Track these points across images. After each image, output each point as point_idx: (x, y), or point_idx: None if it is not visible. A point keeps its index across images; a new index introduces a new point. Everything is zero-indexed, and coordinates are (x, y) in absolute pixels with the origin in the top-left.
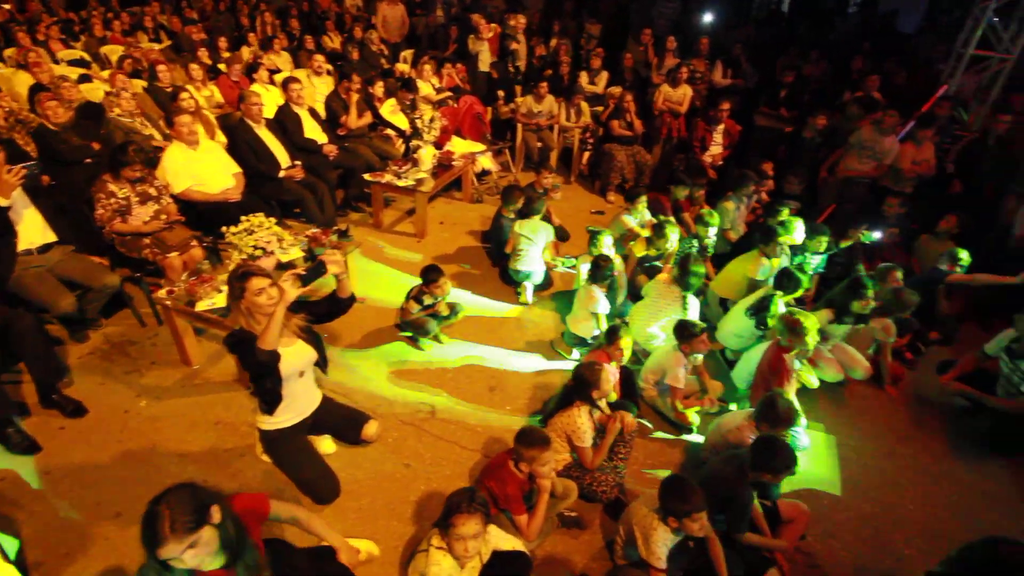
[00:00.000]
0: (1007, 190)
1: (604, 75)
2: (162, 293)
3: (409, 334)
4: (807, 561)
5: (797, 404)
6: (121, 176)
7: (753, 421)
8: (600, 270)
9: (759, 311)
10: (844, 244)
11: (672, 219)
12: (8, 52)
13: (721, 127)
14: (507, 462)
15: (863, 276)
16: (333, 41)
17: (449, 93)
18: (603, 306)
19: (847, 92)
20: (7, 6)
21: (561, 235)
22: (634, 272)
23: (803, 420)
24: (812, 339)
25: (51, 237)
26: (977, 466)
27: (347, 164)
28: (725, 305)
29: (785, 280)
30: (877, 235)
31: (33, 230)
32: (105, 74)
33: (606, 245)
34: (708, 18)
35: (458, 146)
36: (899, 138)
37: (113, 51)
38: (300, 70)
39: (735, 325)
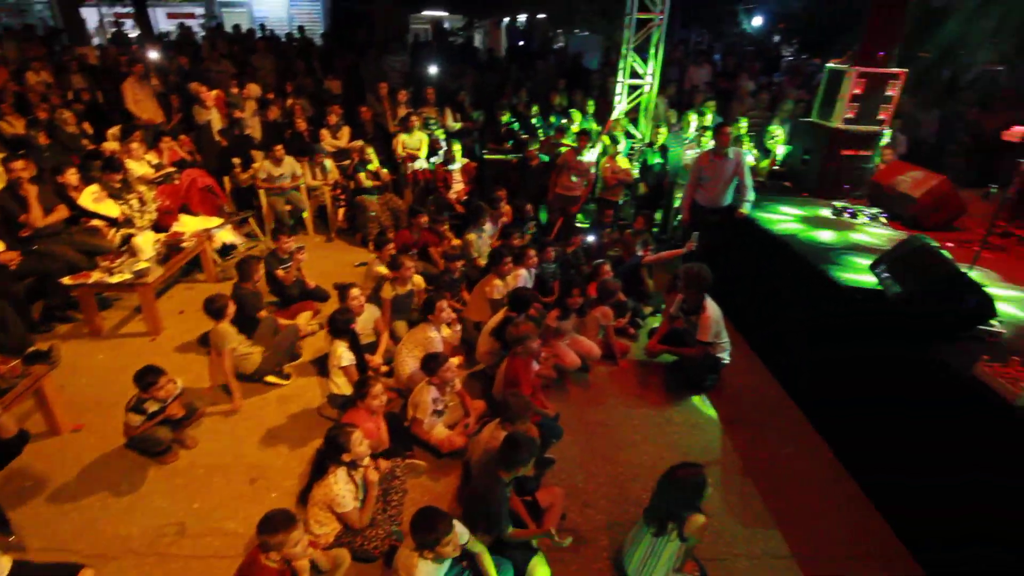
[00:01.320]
0: (674, 184)
1: (346, 130)
2: None
3: (142, 451)
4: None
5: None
6: None
7: (499, 425)
8: (337, 324)
9: (501, 332)
10: (570, 251)
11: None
12: None
13: (458, 166)
14: (256, 557)
15: (573, 279)
16: (14, 126)
17: (172, 169)
18: (347, 359)
19: (554, 121)
20: None
21: (319, 295)
22: (391, 316)
23: (552, 412)
24: (534, 343)
25: None
26: (687, 406)
27: (38, 270)
28: (479, 328)
29: (518, 301)
30: (593, 238)
31: None
32: None
33: (352, 298)
34: (433, 69)
35: (188, 224)
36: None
37: None
38: None
39: (487, 344)
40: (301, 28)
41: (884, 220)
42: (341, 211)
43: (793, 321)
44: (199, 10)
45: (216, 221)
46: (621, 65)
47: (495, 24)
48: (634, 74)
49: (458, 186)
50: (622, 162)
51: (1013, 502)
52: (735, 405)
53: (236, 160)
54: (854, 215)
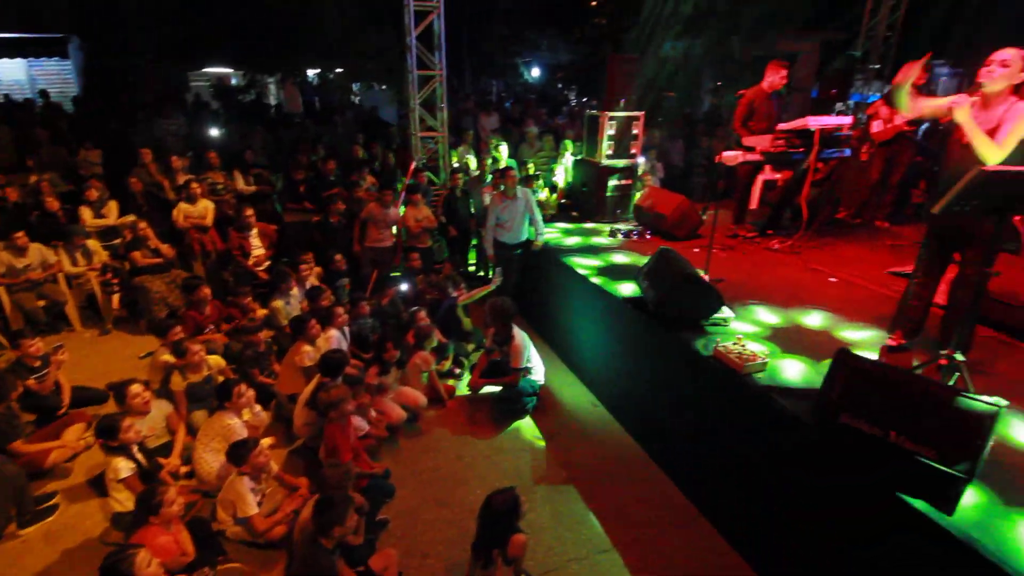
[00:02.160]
0: (479, 223)
1: (112, 204)
2: None
3: None
4: None
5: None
6: None
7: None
8: (104, 432)
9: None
10: (385, 302)
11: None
12: None
13: (255, 231)
14: None
15: (390, 331)
16: None
17: None
18: (126, 469)
19: (353, 175)
20: None
21: (94, 399)
22: (187, 409)
23: (380, 471)
24: (349, 405)
25: None
26: (514, 432)
27: None
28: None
29: (328, 366)
30: (407, 285)
31: None
32: None
33: (133, 396)
34: (215, 132)
35: None
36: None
37: None
38: None
39: (303, 416)
40: (44, 93)
41: (648, 235)
42: (116, 297)
43: (587, 331)
44: None
45: None
46: (412, 119)
47: (290, 80)
48: (427, 126)
49: (258, 252)
50: (424, 209)
51: (757, 452)
52: (556, 420)
53: None
54: (627, 235)
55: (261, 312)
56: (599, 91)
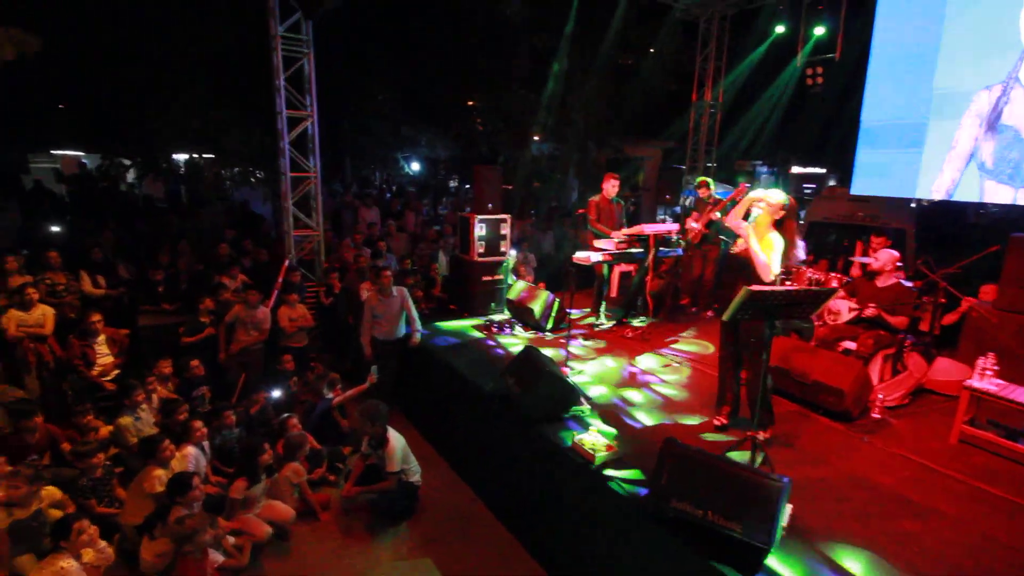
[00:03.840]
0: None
1: None
2: None
3: None
4: None
5: None
6: None
7: None
8: None
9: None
10: (254, 410)
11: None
12: None
13: (102, 337)
14: None
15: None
16: None
17: None
18: None
19: (216, 276)
20: None
21: None
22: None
23: None
24: (206, 535)
25: None
26: (392, 540)
27: None
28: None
29: (175, 486)
30: (279, 391)
31: None
32: None
33: None
34: (55, 228)
35: None
36: (273, 304)
37: None
38: None
39: (154, 547)
40: None
41: (520, 327)
42: None
43: (463, 426)
44: None
45: None
46: (286, 217)
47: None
48: (303, 224)
49: (104, 360)
50: (300, 308)
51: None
52: (435, 522)
53: None
54: (500, 328)
55: (105, 430)
56: None
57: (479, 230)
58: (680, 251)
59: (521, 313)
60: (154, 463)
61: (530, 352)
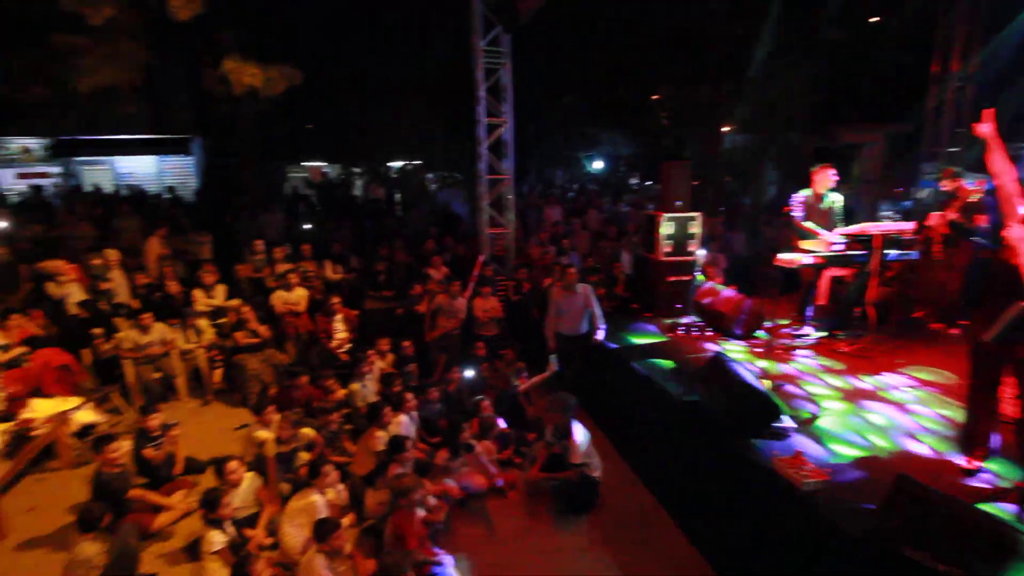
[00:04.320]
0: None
1: (221, 288)
2: None
3: None
4: None
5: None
6: None
7: None
8: (210, 505)
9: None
10: (452, 388)
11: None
12: None
13: (339, 316)
14: None
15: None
16: None
17: (24, 349)
18: (219, 542)
19: (425, 268)
20: None
21: (194, 468)
22: (277, 475)
23: (443, 560)
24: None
25: None
26: (573, 530)
27: None
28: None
29: (394, 446)
30: (472, 373)
31: None
32: None
33: (230, 471)
34: (308, 225)
35: (40, 408)
36: (469, 296)
37: None
38: None
39: (373, 497)
40: (171, 188)
41: (707, 332)
42: (218, 372)
43: (647, 430)
44: (55, 169)
45: (74, 401)
46: (482, 216)
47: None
48: (496, 223)
49: (340, 335)
50: (491, 300)
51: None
52: (615, 522)
53: (97, 331)
54: (687, 330)
55: (341, 392)
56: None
57: (666, 228)
58: (915, 254)
59: (710, 316)
60: (376, 425)
61: (720, 359)
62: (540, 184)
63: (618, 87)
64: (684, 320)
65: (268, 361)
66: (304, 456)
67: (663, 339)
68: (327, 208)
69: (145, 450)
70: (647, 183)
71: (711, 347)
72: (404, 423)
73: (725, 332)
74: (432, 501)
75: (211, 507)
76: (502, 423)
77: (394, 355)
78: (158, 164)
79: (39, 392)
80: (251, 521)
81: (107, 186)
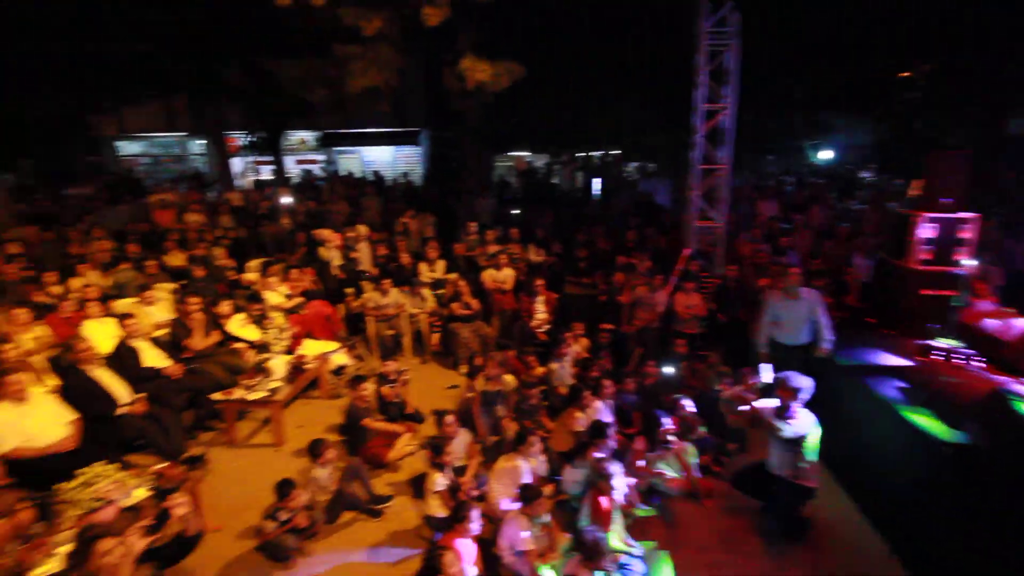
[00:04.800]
0: (751, 318)
1: (441, 264)
2: None
3: (270, 554)
4: None
5: (622, 537)
6: None
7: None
8: (436, 450)
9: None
10: (649, 382)
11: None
12: None
13: (541, 298)
14: None
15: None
16: (176, 259)
17: (301, 299)
18: (442, 483)
19: (621, 257)
20: None
21: (416, 417)
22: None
23: (635, 549)
24: (620, 485)
25: None
26: (781, 561)
27: (195, 386)
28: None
29: (596, 430)
30: (671, 370)
31: None
32: None
33: (447, 424)
34: (516, 211)
35: (310, 348)
36: (671, 290)
37: None
38: (129, 299)
39: (571, 474)
40: (406, 175)
41: (977, 362)
42: (436, 336)
43: (889, 471)
44: (321, 157)
45: (333, 345)
46: (690, 207)
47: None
48: (706, 216)
49: (541, 316)
50: (694, 296)
51: None
52: (839, 564)
53: (349, 290)
54: (946, 357)
55: (540, 370)
56: (906, 171)
57: (926, 231)
58: None
59: (982, 344)
60: (576, 407)
61: (1002, 396)
62: (753, 175)
63: (858, 64)
64: (940, 343)
65: (477, 332)
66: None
67: (910, 363)
68: (529, 195)
69: (383, 388)
70: (885, 176)
71: (988, 379)
72: (602, 408)
73: (1003, 365)
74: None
75: (436, 451)
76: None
77: (589, 340)
78: (394, 154)
79: (310, 335)
80: (461, 471)
81: (356, 172)
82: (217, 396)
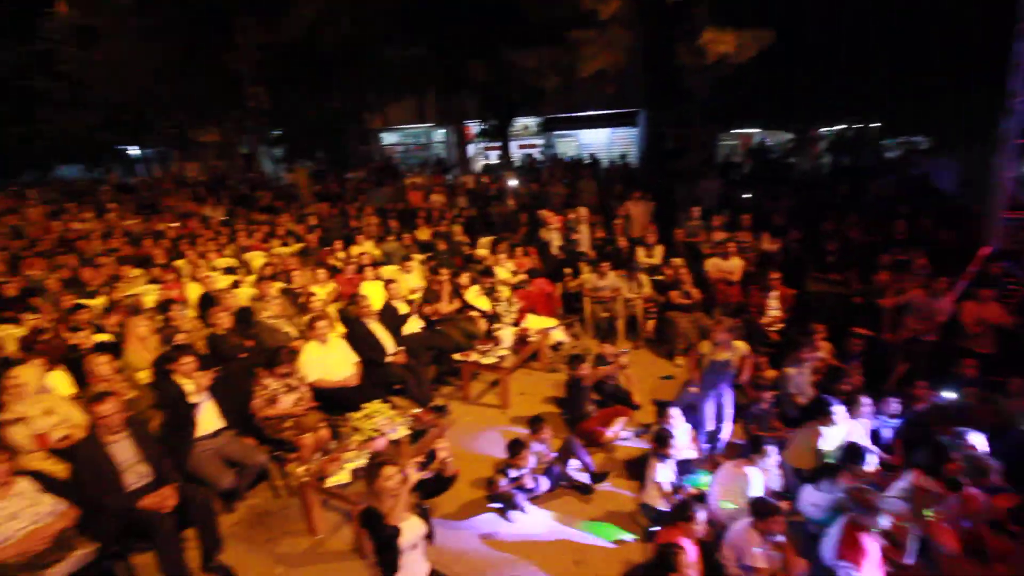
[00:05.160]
0: None
1: (659, 249)
2: (300, 470)
3: (499, 506)
4: None
5: None
6: (273, 373)
7: None
8: (661, 441)
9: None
10: (918, 406)
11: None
12: (179, 263)
13: (775, 293)
14: None
15: (942, 442)
16: (424, 233)
17: (525, 276)
18: (663, 476)
19: (886, 255)
20: (176, 224)
21: (629, 403)
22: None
23: None
24: (876, 518)
25: (221, 424)
26: None
27: (439, 345)
28: (800, 476)
29: (849, 454)
30: (952, 395)
31: (210, 419)
32: (250, 279)
33: (671, 417)
34: (747, 195)
35: (533, 323)
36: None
37: (254, 257)
38: (390, 267)
39: (811, 496)
40: (623, 156)
41: None
42: (651, 323)
43: None
44: (540, 141)
45: (552, 322)
46: (994, 194)
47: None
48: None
49: (774, 312)
50: (992, 307)
51: None
52: None
53: (567, 270)
54: None
55: (770, 373)
56: None
57: None
58: None
59: None
60: (820, 421)
61: None
62: None
63: None
64: None
65: (696, 322)
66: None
67: None
68: (760, 177)
69: (599, 368)
70: None
71: None
72: (854, 430)
73: None
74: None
75: (661, 442)
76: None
77: (833, 346)
78: (610, 136)
79: (533, 311)
80: (684, 465)
81: (572, 154)
82: (457, 357)
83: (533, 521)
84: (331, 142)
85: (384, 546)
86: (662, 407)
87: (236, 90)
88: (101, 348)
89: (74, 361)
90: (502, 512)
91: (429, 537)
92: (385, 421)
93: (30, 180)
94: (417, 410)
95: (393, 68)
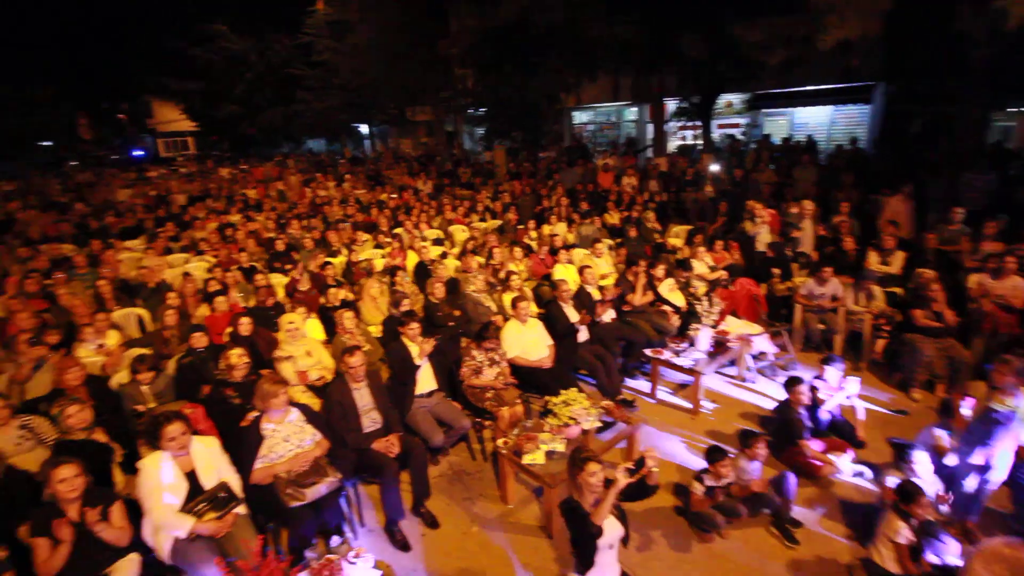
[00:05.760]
0: None
1: (900, 255)
2: (500, 441)
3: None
4: None
5: None
6: (480, 346)
7: None
8: (908, 498)
9: None
10: None
11: None
12: (398, 231)
13: None
14: None
15: None
16: (613, 217)
17: (724, 274)
18: (905, 536)
19: None
20: (395, 195)
21: (850, 437)
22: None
23: None
24: None
25: (434, 385)
26: None
27: (630, 337)
28: None
29: None
30: None
31: (427, 380)
32: (455, 251)
33: (917, 463)
34: None
35: (733, 326)
36: None
37: (457, 230)
38: (583, 250)
39: None
40: (854, 140)
41: None
42: (881, 343)
43: None
44: (743, 120)
45: (756, 328)
46: None
47: None
48: None
49: None
50: None
51: None
52: None
53: (776, 270)
54: None
55: None
56: None
57: None
58: None
59: None
60: None
61: None
62: None
63: None
64: None
65: (947, 352)
66: None
67: None
68: None
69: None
70: None
71: None
72: None
73: None
74: None
75: (907, 498)
76: None
77: None
78: (831, 114)
79: (734, 313)
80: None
81: (783, 135)
82: (649, 353)
83: (728, 545)
84: (529, 122)
85: (584, 541)
86: (902, 449)
87: (446, 73)
88: (346, 304)
89: (323, 311)
90: (695, 527)
91: (624, 540)
92: (581, 411)
93: (287, 152)
94: (607, 402)
95: (597, 47)
